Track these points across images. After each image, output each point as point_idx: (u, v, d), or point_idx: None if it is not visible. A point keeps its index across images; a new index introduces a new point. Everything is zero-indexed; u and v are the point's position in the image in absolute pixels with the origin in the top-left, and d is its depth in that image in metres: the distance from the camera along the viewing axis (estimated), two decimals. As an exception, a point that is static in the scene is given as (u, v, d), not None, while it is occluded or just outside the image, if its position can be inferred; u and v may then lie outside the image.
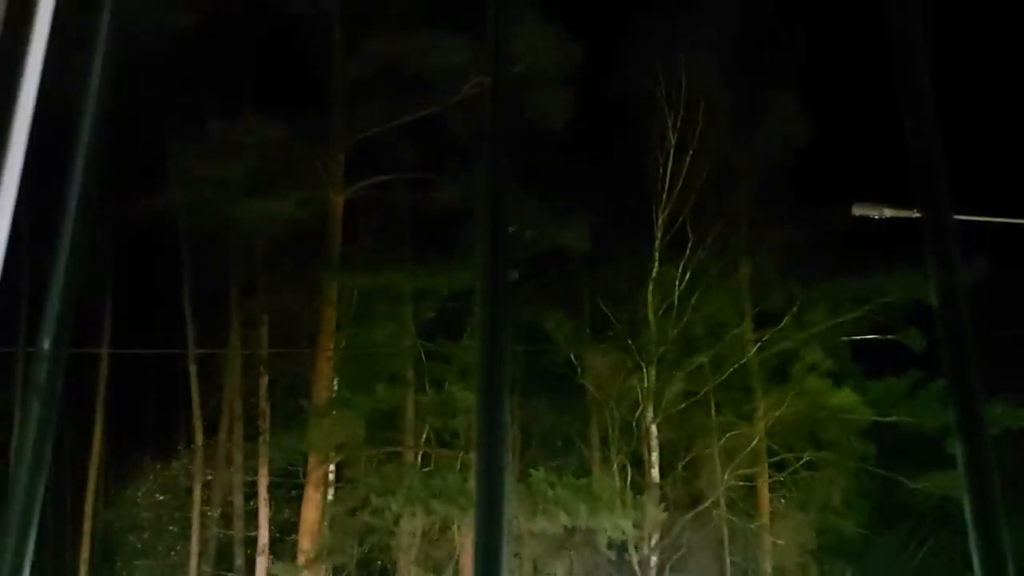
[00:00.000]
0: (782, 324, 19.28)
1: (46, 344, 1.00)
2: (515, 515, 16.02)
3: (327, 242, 19.04)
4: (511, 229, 1.05)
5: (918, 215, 1.07)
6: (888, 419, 19.66)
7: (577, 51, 18.03)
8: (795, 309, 19.34)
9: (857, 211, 11.26)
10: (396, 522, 17.38)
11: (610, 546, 17.77)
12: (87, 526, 21.49)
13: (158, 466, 21.59)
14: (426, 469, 18.68)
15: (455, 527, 17.91)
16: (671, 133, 19.04)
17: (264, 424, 19.82)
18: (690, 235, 19.09)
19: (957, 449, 0.97)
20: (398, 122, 18.50)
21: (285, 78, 19.27)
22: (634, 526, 17.17)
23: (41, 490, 0.97)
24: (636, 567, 17.65)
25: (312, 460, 18.41)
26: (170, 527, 21.22)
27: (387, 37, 18.01)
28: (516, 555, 17.20)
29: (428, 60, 17.70)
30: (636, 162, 19.26)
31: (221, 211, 18.44)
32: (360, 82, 18.66)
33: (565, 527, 16.98)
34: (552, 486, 16.52)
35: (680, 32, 18.56)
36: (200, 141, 18.09)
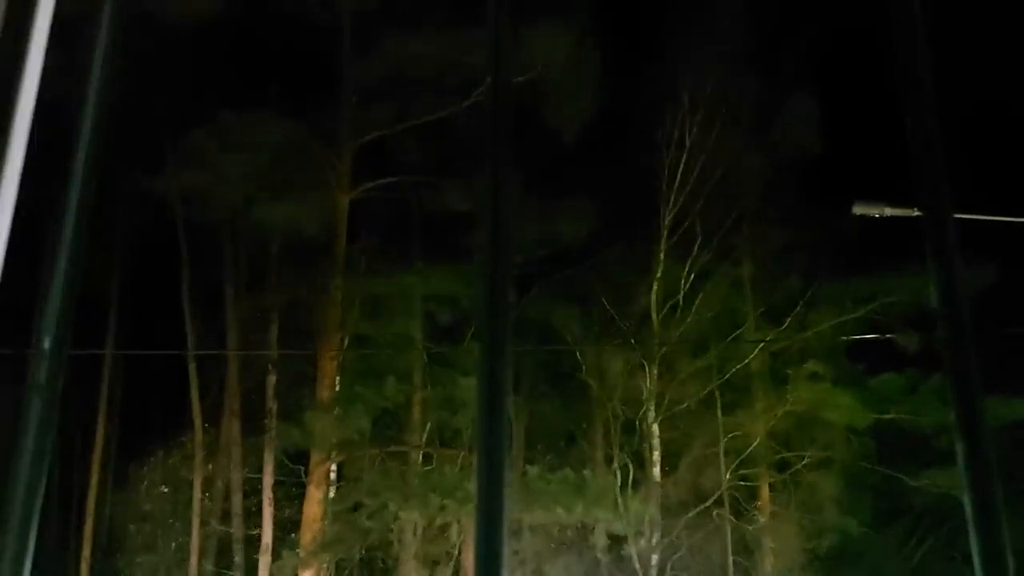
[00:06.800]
0: (784, 325, 19.30)
1: (46, 344, 1.00)
2: (512, 511, 16.04)
3: (333, 241, 19.04)
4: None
5: (918, 214, 1.07)
6: (887, 416, 19.69)
7: (595, 53, 18.05)
8: (798, 310, 19.36)
9: (858, 210, 11.27)
10: (396, 518, 17.42)
11: (610, 546, 17.78)
12: (90, 523, 21.53)
13: (161, 463, 21.61)
14: (427, 467, 18.72)
15: (455, 524, 17.92)
16: (679, 133, 19.06)
17: (270, 423, 19.83)
18: (696, 235, 19.11)
19: (957, 447, 0.97)
20: (409, 123, 18.43)
21: (295, 77, 19.25)
22: (630, 523, 17.18)
23: (41, 488, 0.97)
24: (637, 566, 17.65)
25: (314, 458, 18.42)
26: (172, 524, 21.25)
27: (399, 37, 17.96)
28: (516, 552, 17.21)
29: (440, 61, 17.64)
30: (644, 161, 19.28)
31: (229, 211, 18.47)
32: (371, 82, 18.62)
33: (563, 525, 17.00)
34: (548, 482, 16.55)
35: (692, 33, 18.57)
36: (208, 140, 18.11)
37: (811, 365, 19.59)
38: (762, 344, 19.45)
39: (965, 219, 10.45)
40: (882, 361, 20.39)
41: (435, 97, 18.12)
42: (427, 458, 19.55)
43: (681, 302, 18.94)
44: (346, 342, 19.45)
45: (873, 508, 20.88)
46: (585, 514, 16.73)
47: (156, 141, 19.85)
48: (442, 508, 16.95)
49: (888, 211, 11.11)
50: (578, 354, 19.65)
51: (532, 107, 16.82)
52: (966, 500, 0.93)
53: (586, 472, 17.52)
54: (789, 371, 19.83)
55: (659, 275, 19.04)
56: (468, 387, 17.43)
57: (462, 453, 18.26)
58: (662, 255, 19.11)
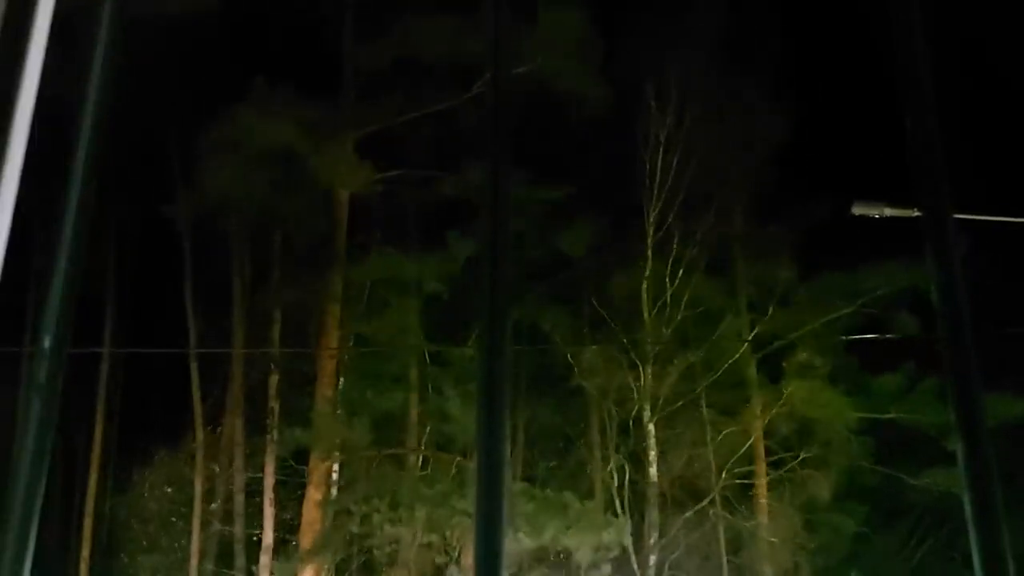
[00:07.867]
0: (769, 313, 19.28)
1: (46, 343, 1.00)
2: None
3: (333, 237, 18.97)
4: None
5: (918, 214, 1.07)
6: (886, 416, 19.65)
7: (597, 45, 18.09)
8: (782, 304, 19.35)
9: (857, 210, 11.25)
10: (396, 521, 17.40)
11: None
12: (90, 523, 21.52)
13: (162, 463, 21.59)
14: (423, 472, 18.67)
15: (455, 527, 17.89)
16: (662, 130, 19.05)
17: (272, 423, 19.77)
18: (682, 232, 19.07)
19: (957, 447, 0.97)
20: (411, 116, 18.33)
21: (295, 70, 19.18)
22: (608, 547, 17.02)
23: (42, 487, 0.97)
24: (635, 567, 17.64)
25: (314, 460, 18.39)
26: (173, 525, 21.23)
27: (401, 28, 17.88)
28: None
29: (442, 53, 17.55)
30: (629, 159, 19.27)
31: (230, 208, 18.42)
32: (372, 75, 18.55)
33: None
34: (530, 500, 16.38)
35: (671, 30, 18.54)
36: (207, 135, 18.05)
37: (804, 360, 19.52)
38: (746, 344, 19.41)
39: (965, 219, 10.45)
40: (876, 357, 20.34)
41: (437, 89, 18.05)
42: (426, 459, 19.51)
43: (669, 300, 18.90)
44: (351, 341, 19.38)
45: (872, 508, 20.84)
46: (565, 538, 16.52)
47: (156, 138, 19.84)
48: (440, 514, 16.91)
49: (888, 211, 11.09)
50: (569, 356, 19.55)
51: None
52: (966, 500, 0.94)
53: (570, 493, 17.30)
54: (782, 366, 19.77)
55: (648, 274, 18.98)
56: (468, 391, 17.30)
57: (457, 458, 18.15)
58: (649, 253, 19.05)
